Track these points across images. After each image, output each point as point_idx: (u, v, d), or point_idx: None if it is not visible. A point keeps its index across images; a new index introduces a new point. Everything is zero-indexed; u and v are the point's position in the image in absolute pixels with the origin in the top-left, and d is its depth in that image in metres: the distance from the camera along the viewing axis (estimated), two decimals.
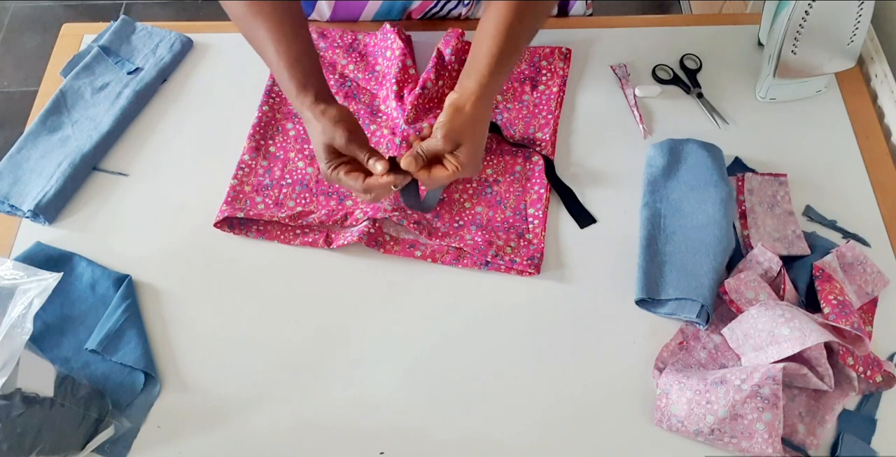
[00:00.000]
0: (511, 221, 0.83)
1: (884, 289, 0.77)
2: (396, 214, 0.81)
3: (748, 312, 0.71)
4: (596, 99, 0.93)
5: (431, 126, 0.73)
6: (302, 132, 0.91)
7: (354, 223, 0.82)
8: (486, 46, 0.72)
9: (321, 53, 0.96)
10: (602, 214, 0.84)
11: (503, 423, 0.72)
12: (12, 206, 0.85)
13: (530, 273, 0.79)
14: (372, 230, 0.80)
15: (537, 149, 0.88)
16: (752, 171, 0.86)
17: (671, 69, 0.95)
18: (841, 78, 0.93)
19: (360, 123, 0.91)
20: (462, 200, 0.85)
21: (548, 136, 0.89)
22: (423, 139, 0.72)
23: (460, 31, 0.94)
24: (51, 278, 0.64)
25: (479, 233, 0.81)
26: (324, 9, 1.00)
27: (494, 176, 0.87)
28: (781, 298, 0.74)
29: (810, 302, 0.75)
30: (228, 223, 0.83)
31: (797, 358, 0.68)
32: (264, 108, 0.92)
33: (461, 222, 0.84)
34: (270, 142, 0.90)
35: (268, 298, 0.80)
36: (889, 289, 0.78)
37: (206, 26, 1.02)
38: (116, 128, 0.91)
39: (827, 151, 0.88)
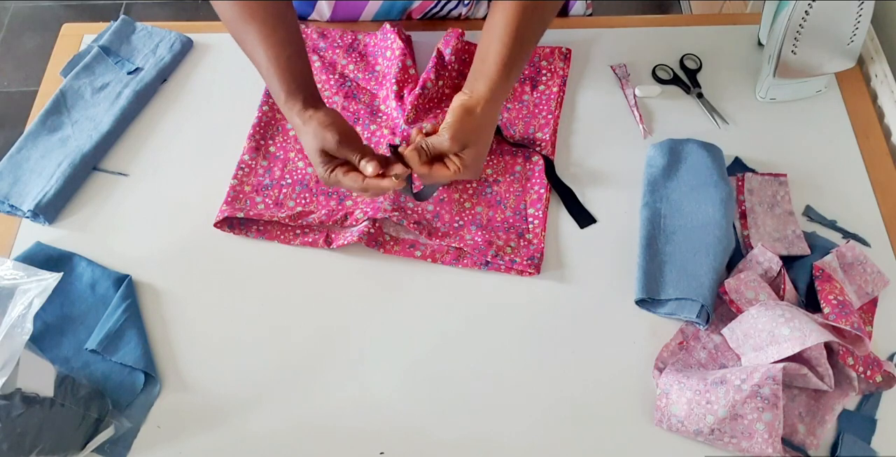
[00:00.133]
0: (511, 221, 0.83)
1: (884, 289, 0.77)
2: (396, 214, 0.81)
3: (748, 312, 0.71)
4: (596, 99, 0.93)
5: (433, 126, 0.73)
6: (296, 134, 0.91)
7: (354, 223, 0.82)
8: (496, 50, 0.72)
9: (321, 53, 0.96)
10: (602, 214, 0.84)
11: (503, 423, 0.72)
12: (12, 206, 0.85)
13: (530, 273, 0.79)
14: (372, 230, 0.80)
15: (537, 149, 0.88)
16: (752, 171, 0.86)
17: (671, 69, 0.95)
18: (841, 78, 0.93)
19: (360, 123, 0.91)
20: (462, 200, 0.85)
21: (548, 136, 0.89)
22: (426, 135, 0.72)
23: (460, 31, 0.94)
24: (51, 278, 0.64)
25: (479, 233, 0.81)
26: (324, 9, 1.00)
27: (494, 176, 0.87)
28: (781, 298, 0.74)
29: (810, 302, 0.75)
30: (228, 223, 0.83)
31: (797, 358, 0.68)
32: (264, 108, 0.92)
33: (461, 222, 0.84)
34: (270, 142, 0.90)
35: (268, 299, 0.80)
36: (889, 289, 0.78)
37: (206, 26, 1.02)
38: (116, 128, 0.91)
39: (827, 151, 0.88)
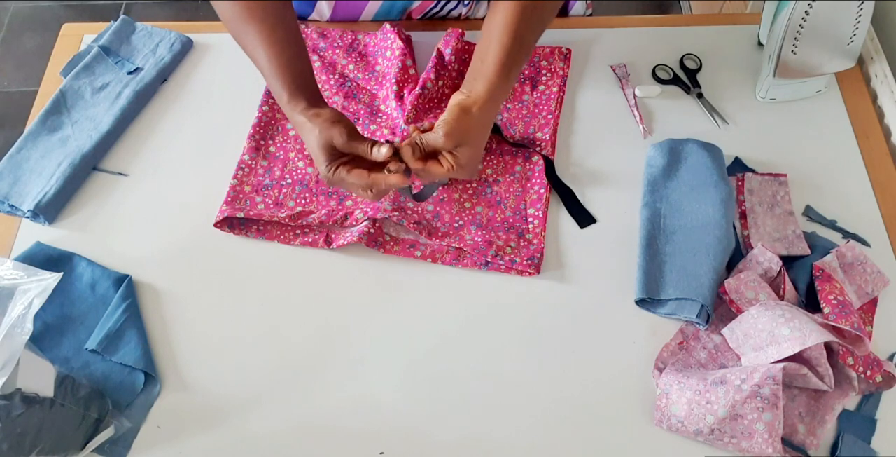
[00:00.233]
0: (511, 221, 0.83)
1: (884, 289, 0.77)
2: (396, 214, 0.81)
3: (748, 312, 0.71)
4: (596, 99, 0.93)
5: (432, 124, 0.73)
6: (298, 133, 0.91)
7: (354, 223, 0.82)
8: (494, 51, 0.72)
9: (321, 53, 0.96)
10: (602, 214, 0.84)
11: (503, 423, 0.72)
12: (12, 206, 0.85)
13: (530, 273, 0.79)
14: (372, 230, 0.80)
15: (537, 149, 0.88)
16: (752, 171, 0.86)
17: (671, 69, 0.95)
18: (841, 78, 0.93)
19: (360, 123, 0.91)
20: (462, 200, 0.85)
21: (548, 136, 0.89)
22: (423, 132, 0.72)
23: (460, 31, 0.94)
24: (51, 278, 0.64)
25: (479, 233, 0.81)
26: (324, 9, 1.00)
27: (494, 176, 0.87)
28: (781, 298, 0.74)
29: (810, 302, 0.75)
30: (228, 223, 0.83)
31: (797, 358, 0.68)
32: (264, 108, 0.92)
33: (461, 222, 0.84)
34: (270, 142, 0.90)
35: (268, 299, 0.80)
36: (889, 289, 0.78)
37: (206, 26, 1.02)
38: (116, 128, 0.91)
39: (827, 151, 0.88)
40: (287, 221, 0.81)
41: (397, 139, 0.88)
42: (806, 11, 0.80)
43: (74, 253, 0.82)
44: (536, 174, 0.86)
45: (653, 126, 0.91)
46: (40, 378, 0.65)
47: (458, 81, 0.92)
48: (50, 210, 0.84)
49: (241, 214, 0.82)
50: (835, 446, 0.69)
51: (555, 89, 0.92)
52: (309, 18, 1.02)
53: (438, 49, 0.92)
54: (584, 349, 0.75)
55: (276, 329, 0.78)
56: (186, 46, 0.99)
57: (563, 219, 0.84)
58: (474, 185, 0.86)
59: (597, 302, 0.78)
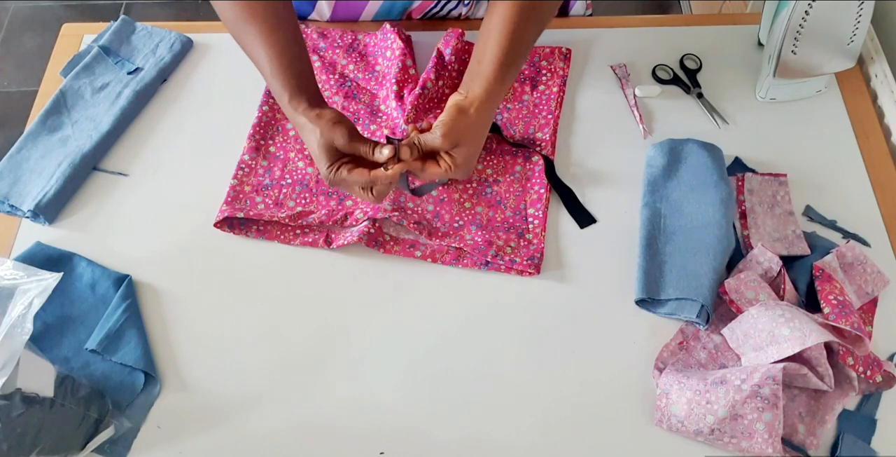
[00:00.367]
0: (511, 221, 0.83)
1: (884, 289, 0.77)
2: (396, 214, 0.81)
3: (748, 312, 0.71)
4: (596, 99, 0.93)
5: (430, 124, 0.73)
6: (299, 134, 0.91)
7: (354, 223, 0.82)
8: (492, 51, 0.72)
9: (321, 53, 0.96)
10: (602, 214, 0.84)
11: (503, 423, 0.72)
12: (12, 206, 0.85)
13: (530, 273, 0.79)
14: (372, 230, 0.80)
15: (537, 149, 0.88)
16: (752, 171, 0.86)
17: (671, 69, 0.95)
18: (841, 78, 0.93)
19: (360, 123, 0.91)
20: (462, 200, 0.85)
21: (548, 136, 0.89)
22: (421, 132, 0.72)
23: (460, 31, 0.94)
24: (51, 278, 0.64)
25: (479, 233, 0.81)
26: (324, 9, 1.00)
27: (494, 176, 0.87)
28: (781, 298, 0.74)
29: (810, 302, 0.75)
30: (228, 223, 0.83)
31: (797, 358, 0.68)
32: (264, 108, 0.92)
33: (461, 222, 0.84)
34: (270, 142, 0.90)
35: (268, 299, 0.80)
36: (889, 289, 0.78)
37: (206, 26, 1.02)
38: (116, 128, 0.91)
39: (827, 151, 0.88)
40: (287, 221, 0.81)
41: (396, 140, 0.88)
42: (806, 11, 0.80)
43: (74, 253, 0.82)
44: (536, 174, 0.86)
45: (653, 126, 0.91)
46: (40, 378, 0.65)
47: (458, 81, 0.91)
48: (50, 210, 0.84)
49: (241, 214, 0.82)
50: (835, 446, 0.69)
51: (555, 89, 0.92)
52: (309, 18, 1.02)
53: (438, 49, 0.92)
54: (584, 349, 0.75)
55: (276, 329, 0.78)
56: (186, 46, 0.99)
57: (563, 219, 0.84)
58: (474, 185, 0.86)
59: (597, 302, 0.78)
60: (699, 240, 0.78)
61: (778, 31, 0.84)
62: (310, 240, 0.82)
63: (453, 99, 0.72)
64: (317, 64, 0.95)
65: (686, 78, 0.94)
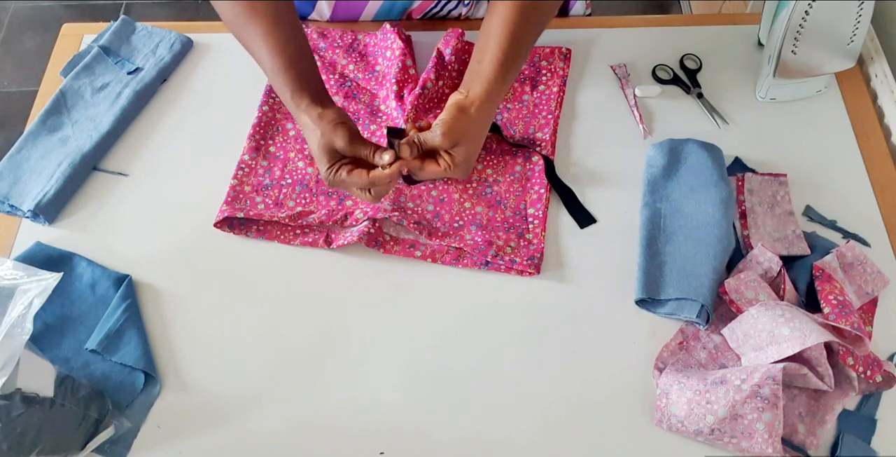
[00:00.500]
0: (511, 221, 0.83)
1: (884, 289, 0.77)
2: (396, 214, 0.81)
3: (748, 312, 0.71)
4: (596, 99, 0.93)
5: (429, 124, 0.73)
6: (302, 132, 0.91)
7: (354, 223, 0.82)
8: (492, 51, 0.72)
9: (321, 53, 0.96)
10: (602, 214, 0.84)
11: (503, 423, 0.72)
12: (12, 206, 0.85)
13: (530, 273, 0.79)
14: (372, 230, 0.80)
15: (537, 149, 0.88)
16: (752, 171, 0.86)
17: (671, 69, 0.95)
18: (841, 78, 0.93)
19: (360, 123, 0.91)
20: (462, 200, 0.85)
21: (548, 136, 0.89)
22: (421, 130, 0.72)
23: (460, 31, 0.94)
24: (51, 278, 0.64)
25: (479, 233, 0.81)
26: (324, 9, 1.00)
27: (494, 176, 0.87)
28: (781, 298, 0.74)
29: (810, 302, 0.75)
30: (228, 223, 0.84)
31: (797, 358, 0.68)
32: (264, 108, 0.92)
33: (461, 222, 0.84)
34: (270, 142, 0.90)
35: (268, 299, 0.80)
36: (889, 289, 0.78)
37: (206, 26, 1.02)
38: (116, 128, 0.91)
39: (827, 151, 0.88)
40: (287, 221, 0.81)
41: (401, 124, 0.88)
42: (806, 11, 0.80)
43: (74, 253, 0.82)
44: (536, 174, 0.86)
45: (653, 126, 0.91)
46: (40, 378, 0.65)
47: (458, 81, 0.92)
48: (50, 210, 0.84)
49: (241, 214, 0.82)
50: (835, 446, 0.69)
51: (555, 89, 0.92)
52: (309, 18, 1.02)
53: (438, 49, 0.92)
54: (584, 349, 0.75)
55: (276, 329, 0.78)
56: (186, 46, 0.99)
57: (563, 219, 0.84)
58: (474, 185, 0.86)
59: (597, 302, 0.78)
60: (699, 240, 0.78)
61: (778, 31, 0.84)
62: (310, 240, 0.82)
63: (453, 98, 0.72)
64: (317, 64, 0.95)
65: (686, 78, 0.94)
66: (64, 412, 0.66)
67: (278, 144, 0.90)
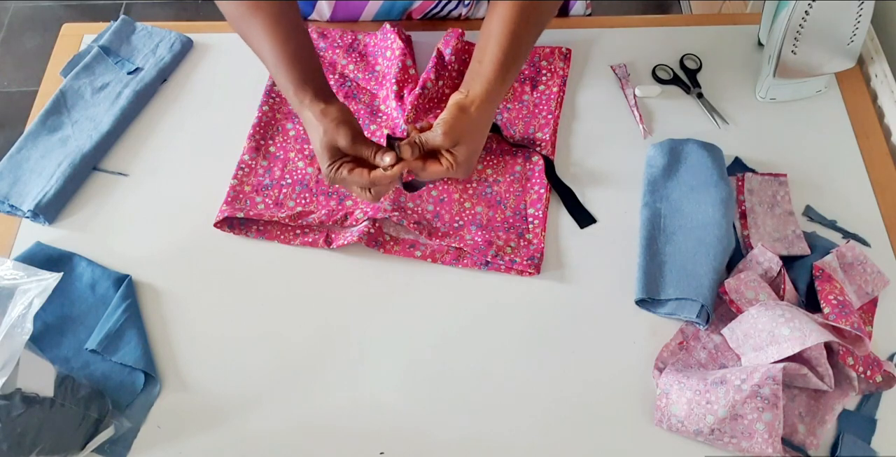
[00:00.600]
0: (511, 221, 0.83)
1: (884, 289, 0.77)
2: (396, 214, 0.81)
3: (748, 312, 0.71)
4: (596, 99, 0.93)
5: (430, 124, 0.73)
6: (302, 132, 0.91)
7: (354, 223, 0.82)
8: (492, 51, 0.72)
9: (321, 53, 0.96)
10: (602, 214, 0.84)
11: (503, 423, 0.72)
12: (12, 206, 0.85)
13: (530, 273, 0.79)
14: (372, 230, 0.80)
15: (537, 149, 0.88)
16: (752, 171, 0.86)
17: (671, 69, 0.95)
18: (841, 78, 0.93)
19: (360, 123, 0.91)
20: (462, 200, 0.85)
21: (548, 136, 0.89)
22: (421, 131, 0.72)
23: (460, 31, 0.94)
24: (51, 278, 0.64)
25: (479, 233, 0.81)
26: (324, 9, 1.00)
27: (494, 176, 0.87)
28: (781, 298, 0.74)
29: (810, 302, 0.75)
30: (228, 223, 0.84)
31: (797, 358, 0.68)
32: (264, 108, 0.92)
33: (461, 222, 0.84)
34: (270, 142, 0.90)
35: (268, 298, 0.80)
36: (889, 289, 0.78)
37: (206, 26, 1.02)
38: (116, 128, 0.91)
39: (827, 151, 0.88)
40: (287, 221, 0.81)
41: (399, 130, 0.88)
42: (806, 11, 0.80)
43: (74, 253, 0.82)
44: (536, 174, 0.86)
45: (653, 126, 0.91)
46: (40, 378, 0.65)
47: (458, 81, 0.92)
48: (50, 210, 0.84)
49: (241, 214, 0.82)
50: (835, 446, 0.69)
51: (555, 89, 0.92)
52: (309, 18, 1.02)
53: (438, 49, 0.92)
54: (584, 349, 0.75)
55: (276, 329, 0.78)
56: (186, 46, 0.99)
57: (563, 219, 0.84)
58: (474, 185, 0.86)
59: (597, 302, 0.78)
60: (699, 240, 0.78)
61: (778, 31, 0.84)
62: (310, 240, 0.82)
63: (454, 98, 0.72)
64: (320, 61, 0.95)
65: (686, 78, 0.94)
66: (64, 412, 0.66)
67: (278, 144, 0.90)
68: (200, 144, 0.91)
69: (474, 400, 0.73)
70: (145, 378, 0.74)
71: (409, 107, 0.89)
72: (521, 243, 0.81)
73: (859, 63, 0.94)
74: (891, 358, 0.74)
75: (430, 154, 0.72)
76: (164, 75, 0.96)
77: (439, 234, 0.82)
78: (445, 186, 0.86)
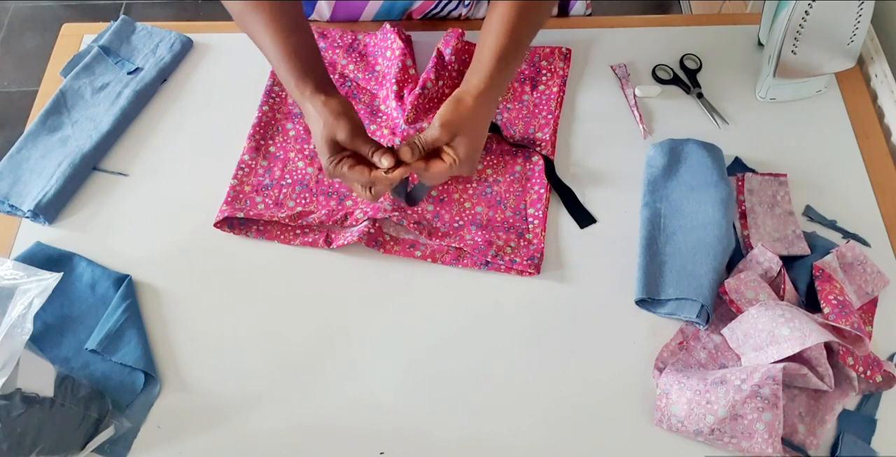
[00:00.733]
0: (511, 221, 0.83)
1: (884, 289, 0.77)
2: (396, 214, 0.81)
3: (748, 312, 0.71)
4: (596, 99, 0.93)
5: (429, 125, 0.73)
6: (302, 132, 0.91)
7: (354, 223, 0.82)
8: (490, 45, 0.73)
9: (321, 53, 0.96)
10: (602, 214, 0.84)
11: (503, 423, 0.72)
12: (12, 206, 0.85)
13: (530, 273, 0.79)
14: (372, 230, 0.80)
15: (537, 149, 0.88)
16: (752, 171, 0.86)
17: (671, 69, 0.95)
18: (841, 78, 0.93)
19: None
20: (462, 200, 0.85)
21: (548, 136, 0.89)
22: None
23: (460, 31, 0.94)
24: (51, 278, 0.64)
25: (479, 233, 0.81)
26: (324, 9, 1.00)
27: (494, 176, 0.87)
28: (781, 298, 0.74)
29: (810, 302, 0.75)
30: (228, 223, 0.84)
31: (797, 358, 0.68)
32: (264, 108, 0.92)
33: (461, 222, 0.84)
34: (270, 142, 0.90)
35: (268, 298, 0.80)
36: (889, 289, 0.78)
37: (206, 26, 1.02)
38: (116, 128, 0.91)
39: (827, 151, 0.88)
40: (287, 221, 0.81)
41: (398, 139, 0.88)
42: (806, 11, 0.80)
43: (74, 253, 0.82)
44: (536, 174, 0.86)
45: (653, 126, 0.91)
46: (40, 378, 0.65)
47: (458, 81, 0.91)
48: (50, 210, 0.84)
49: (241, 214, 0.82)
50: (835, 446, 0.69)
51: (555, 89, 0.92)
52: (309, 18, 1.02)
53: (438, 49, 0.92)
54: (584, 349, 0.75)
55: (276, 329, 0.78)
56: (186, 46, 0.99)
57: (563, 219, 0.84)
58: (474, 185, 0.86)
59: (597, 302, 0.78)
60: (699, 240, 0.78)
61: (778, 31, 0.84)
62: (310, 240, 0.82)
63: (453, 94, 0.72)
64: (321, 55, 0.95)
65: (686, 78, 0.94)
66: (64, 412, 0.66)
67: (278, 144, 0.90)
68: (200, 144, 0.91)
69: (474, 400, 0.73)
70: (145, 378, 0.74)
71: (409, 107, 0.89)
72: (521, 243, 0.81)
73: (859, 63, 0.94)
74: (891, 358, 0.74)
75: (432, 155, 0.72)
76: (164, 75, 0.96)
77: (439, 234, 0.82)
78: (445, 186, 0.86)
